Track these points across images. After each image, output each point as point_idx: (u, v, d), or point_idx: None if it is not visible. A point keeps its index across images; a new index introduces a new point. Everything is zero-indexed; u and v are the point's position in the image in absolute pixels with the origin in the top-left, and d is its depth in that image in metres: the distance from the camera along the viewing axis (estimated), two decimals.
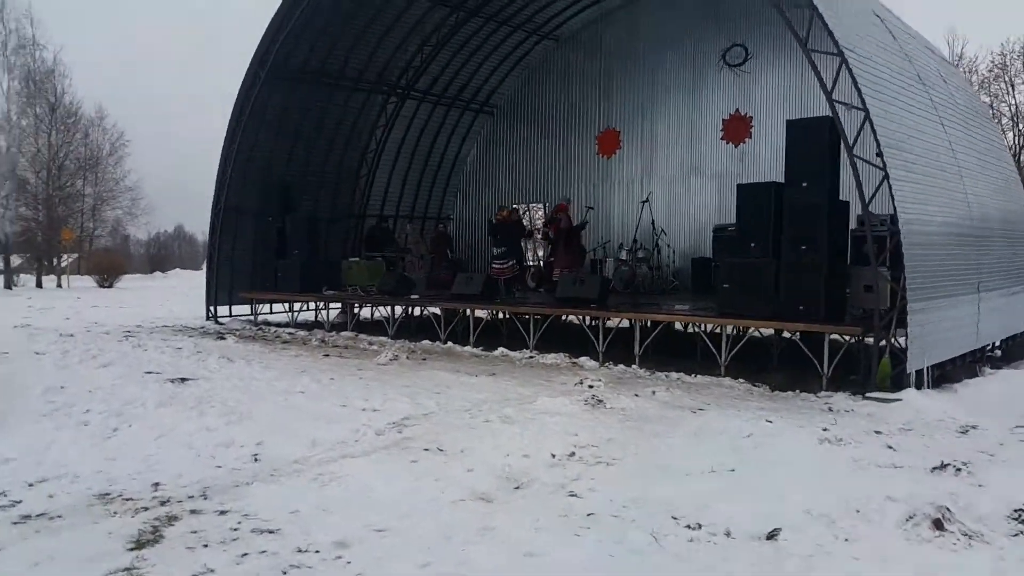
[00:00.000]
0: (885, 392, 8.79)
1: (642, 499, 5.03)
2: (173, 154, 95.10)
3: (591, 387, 9.20)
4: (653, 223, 16.49)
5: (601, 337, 11.65)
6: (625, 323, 12.38)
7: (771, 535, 4.28)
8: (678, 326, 13.80)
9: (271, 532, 4.45)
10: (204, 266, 20.63)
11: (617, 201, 18.95)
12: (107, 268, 38.00)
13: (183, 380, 9.21)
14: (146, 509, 4.85)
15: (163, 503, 4.99)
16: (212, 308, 17.76)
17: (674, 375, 10.42)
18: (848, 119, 9.14)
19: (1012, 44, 31.02)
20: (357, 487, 5.26)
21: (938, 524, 4.15)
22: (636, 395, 8.80)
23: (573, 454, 6.14)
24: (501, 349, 12.65)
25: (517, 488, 5.35)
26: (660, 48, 18.00)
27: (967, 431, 7.45)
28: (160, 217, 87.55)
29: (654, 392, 9.00)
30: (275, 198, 17.28)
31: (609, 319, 11.94)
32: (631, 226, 17.58)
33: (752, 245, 10.40)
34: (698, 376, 10.27)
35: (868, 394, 8.80)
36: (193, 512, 4.79)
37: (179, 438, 6.51)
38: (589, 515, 4.77)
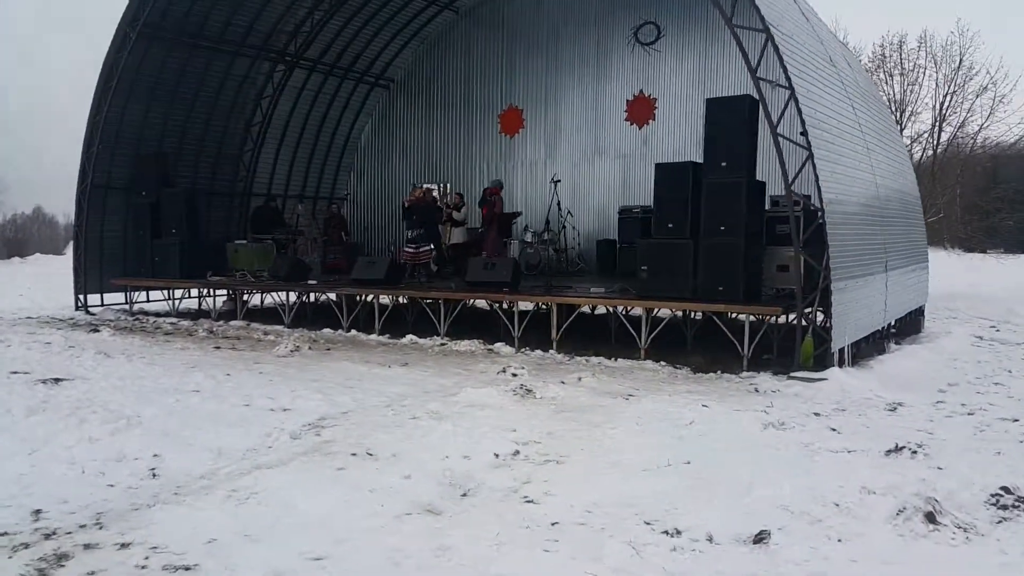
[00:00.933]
0: (809, 371, 8.78)
1: (604, 502, 4.59)
2: (30, 129, 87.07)
3: (515, 375, 8.71)
4: (559, 204, 16.13)
5: (516, 322, 11.19)
6: (529, 306, 11.96)
7: (759, 539, 3.92)
8: (586, 309, 13.57)
9: (187, 569, 3.69)
10: (69, 250, 18.62)
11: (520, 182, 18.49)
12: None
13: (56, 381, 8.04)
14: (26, 546, 3.96)
15: (47, 536, 4.10)
16: (82, 297, 16.07)
17: (594, 359, 10.10)
18: (771, 98, 9.01)
19: (892, 37, 32.76)
20: (280, 505, 4.55)
21: (930, 517, 3.93)
22: (562, 382, 8.38)
23: (517, 452, 5.62)
24: (410, 337, 11.97)
25: (464, 495, 4.79)
26: (565, 25, 17.60)
27: (895, 408, 7.48)
28: (15, 198, 79.97)
29: (580, 378, 8.62)
30: (149, 172, 15.72)
31: (517, 303, 11.49)
32: (535, 208, 17.23)
33: (670, 226, 10.17)
34: (619, 360, 9.99)
35: (793, 374, 8.76)
36: (87, 547, 3.94)
37: (58, 452, 5.53)
38: (553, 524, 4.27)
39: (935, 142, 32.48)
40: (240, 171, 18.34)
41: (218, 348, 11.08)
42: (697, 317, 11.78)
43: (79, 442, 5.75)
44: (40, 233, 76.74)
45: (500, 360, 10.03)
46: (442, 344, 11.45)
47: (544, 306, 12.43)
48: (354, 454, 5.56)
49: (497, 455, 5.52)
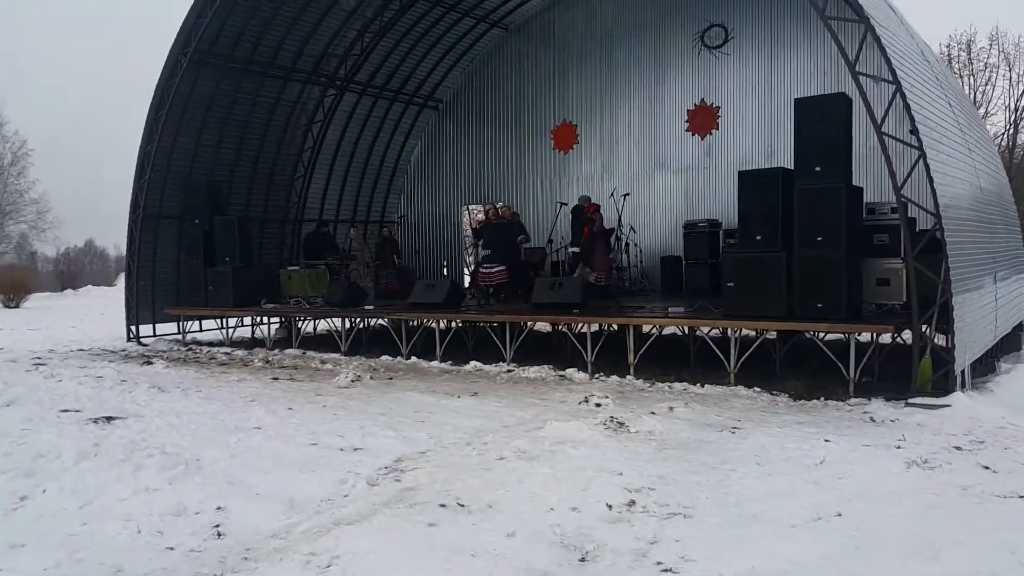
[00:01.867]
0: (928, 397, 7.85)
1: (762, 570, 3.78)
2: (83, 163, 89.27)
3: (599, 405, 7.96)
4: (620, 220, 15.37)
5: (589, 346, 10.43)
6: (594, 327, 11.17)
7: None
8: (652, 328, 12.73)
9: None
10: (120, 281, 18.41)
11: (576, 198, 17.79)
12: (12, 287, 34.70)
13: (108, 420, 7.52)
14: None
15: None
16: (134, 328, 15.77)
17: (677, 386, 9.28)
18: (873, 94, 8.18)
19: (960, 36, 31.43)
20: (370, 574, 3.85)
21: None
22: (653, 413, 7.60)
23: (632, 503, 4.85)
24: (474, 363, 11.29)
25: (583, 560, 4.04)
26: (619, 35, 16.97)
27: None
28: (69, 232, 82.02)
29: (671, 408, 7.82)
30: (201, 200, 15.41)
31: (588, 326, 10.73)
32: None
33: (758, 238, 9.34)
34: (706, 386, 9.16)
35: (910, 400, 7.83)
36: None
37: (111, 506, 4.93)
38: None
39: (1011, 144, 30.91)
40: (292, 197, 17.98)
41: (276, 379, 10.53)
42: (771, 336, 10.88)
43: (134, 493, 5.15)
44: (92, 266, 78.36)
45: (576, 388, 9.28)
46: (509, 371, 10.74)
47: (611, 328, 11.67)
48: (443, 505, 4.85)
49: (610, 506, 4.76)
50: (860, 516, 4.47)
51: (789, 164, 14.90)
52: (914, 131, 7.84)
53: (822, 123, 8.86)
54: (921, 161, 7.86)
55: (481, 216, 14.04)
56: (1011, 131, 31.10)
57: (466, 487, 5.17)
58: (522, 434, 6.75)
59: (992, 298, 9.68)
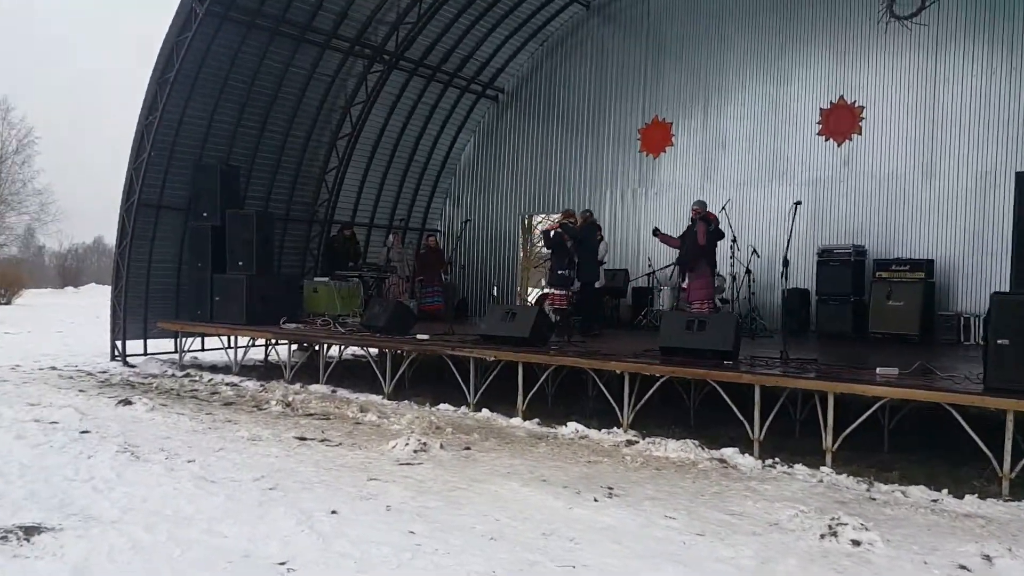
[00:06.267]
0: None
1: None
2: (97, 154, 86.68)
3: (834, 532, 4.80)
4: (735, 240, 12.22)
5: (757, 416, 7.24)
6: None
7: None
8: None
9: None
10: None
11: (667, 211, 14.72)
12: (4, 282, 31.78)
13: (26, 535, 4.37)
14: None
15: None
16: (120, 343, 12.66)
17: (915, 492, 6.07)
18: None
19: None
20: None
21: None
22: (961, 567, 4.41)
23: None
24: (573, 425, 8.14)
25: None
26: (730, 15, 13.99)
27: None
28: (79, 227, 79.44)
29: (987, 557, 4.61)
30: (212, 189, 12.35)
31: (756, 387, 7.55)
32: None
33: None
34: (964, 496, 5.94)
35: None
36: None
37: None
38: None
39: None
40: (322, 193, 14.91)
41: (303, 441, 7.36)
42: None
43: None
44: (100, 263, 75.63)
45: (759, 487, 6.10)
46: (630, 442, 7.57)
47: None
48: None
49: None
50: None
51: (952, 182, 12.01)
52: None
53: None
54: None
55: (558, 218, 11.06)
56: None
57: None
58: None
59: None
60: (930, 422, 7.87)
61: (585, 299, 11.45)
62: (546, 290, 10.94)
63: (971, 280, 11.56)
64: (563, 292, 10.96)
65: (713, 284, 10.66)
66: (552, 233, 10.98)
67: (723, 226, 11.61)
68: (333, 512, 5.09)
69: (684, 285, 10.31)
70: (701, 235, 9.88)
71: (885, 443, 7.67)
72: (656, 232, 10.78)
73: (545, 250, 10.85)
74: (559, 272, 10.81)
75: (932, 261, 11.44)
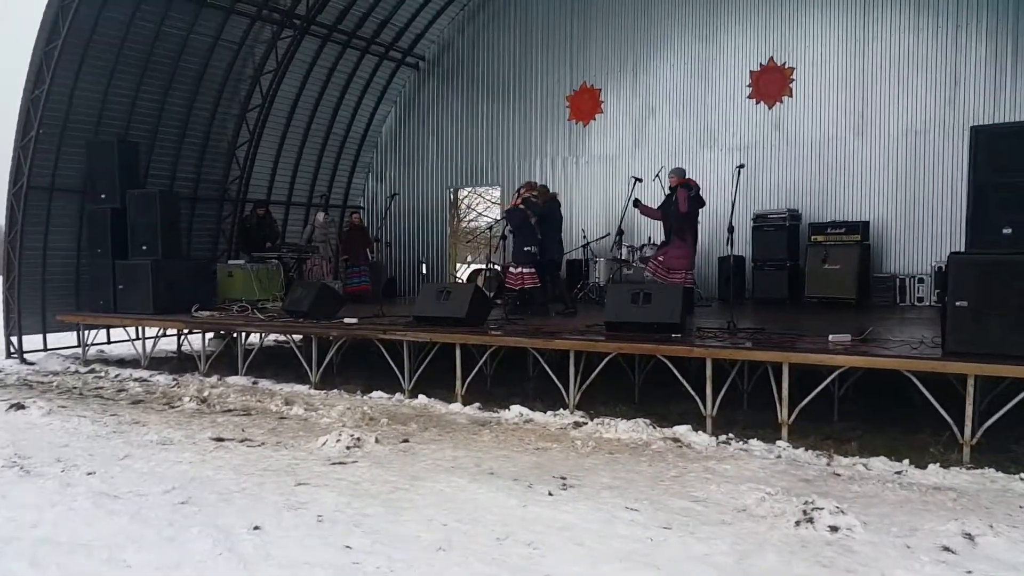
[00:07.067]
0: None
1: None
2: None
3: (810, 518, 4.48)
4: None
5: (710, 391, 6.92)
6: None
7: None
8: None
9: None
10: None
11: (598, 181, 14.35)
12: None
13: None
14: None
15: None
16: (15, 340, 11.55)
17: (875, 463, 5.84)
18: None
19: None
20: None
21: None
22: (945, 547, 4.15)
23: None
24: (517, 409, 7.67)
25: None
26: None
27: None
28: None
29: (968, 535, 4.35)
30: (110, 167, 11.28)
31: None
32: (616, 213, 13.03)
33: (1006, 231, 6.00)
34: (930, 466, 5.73)
35: None
36: None
37: None
38: None
39: None
40: (233, 170, 13.92)
41: (220, 442, 6.66)
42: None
43: None
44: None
45: (718, 467, 5.77)
46: (577, 424, 7.16)
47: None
48: None
49: None
50: None
51: (885, 142, 11.97)
52: None
53: None
54: None
55: (525, 192, 10.52)
56: None
57: None
58: None
59: None
60: (876, 388, 7.72)
61: (554, 277, 11.04)
62: (512, 269, 10.32)
63: (906, 241, 11.58)
64: (531, 270, 10.35)
65: (695, 253, 10.19)
66: (516, 210, 10.38)
67: (657, 193, 11.33)
68: (256, 528, 4.48)
69: (660, 258, 9.85)
70: (683, 202, 9.45)
71: (835, 411, 7.49)
72: (637, 203, 10.30)
73: (507, 229, 10.23)
74: (526, 249, 10.21)
75: (867, 223, 11.37)
